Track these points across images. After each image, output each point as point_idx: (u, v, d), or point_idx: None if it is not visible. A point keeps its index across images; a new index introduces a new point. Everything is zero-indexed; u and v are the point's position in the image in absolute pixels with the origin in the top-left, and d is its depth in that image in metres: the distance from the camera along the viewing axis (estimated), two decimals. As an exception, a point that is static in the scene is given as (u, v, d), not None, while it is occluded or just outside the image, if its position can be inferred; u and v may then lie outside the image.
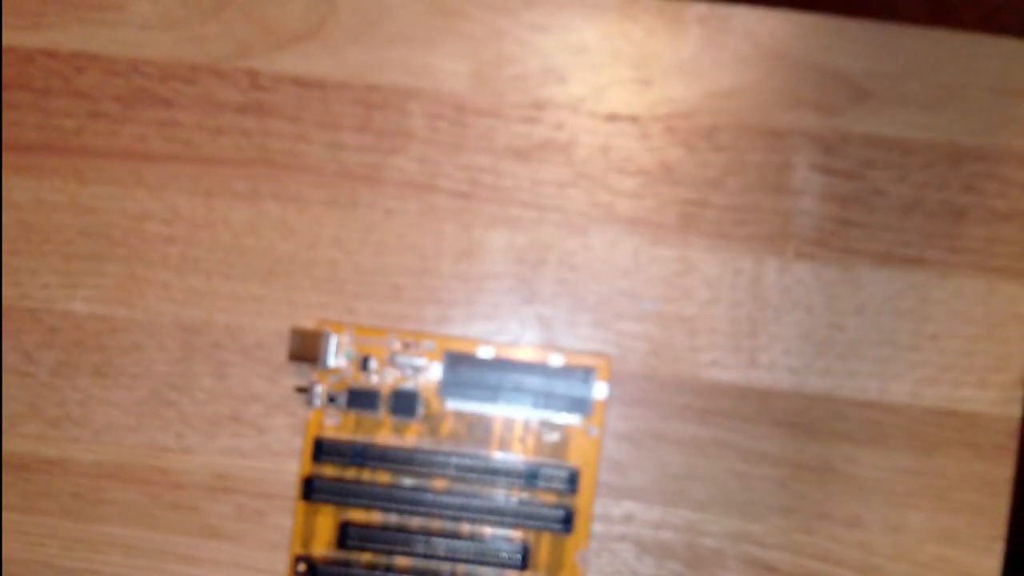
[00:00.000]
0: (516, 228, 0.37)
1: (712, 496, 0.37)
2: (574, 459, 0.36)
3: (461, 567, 0.36)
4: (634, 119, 0.37)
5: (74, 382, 0.37)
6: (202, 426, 0.37)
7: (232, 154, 0.37)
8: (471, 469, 0.35)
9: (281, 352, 0.37)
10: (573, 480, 0.35)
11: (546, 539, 0.36)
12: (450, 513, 0.35)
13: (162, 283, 0.37)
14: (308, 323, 0.37)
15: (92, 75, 0.37)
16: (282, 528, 0.36)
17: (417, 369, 0.36)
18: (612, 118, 0.37)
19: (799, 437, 0.36)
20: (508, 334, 0.37)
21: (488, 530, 0.36)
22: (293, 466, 0.36)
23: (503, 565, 0.35)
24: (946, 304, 0.36)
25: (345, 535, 0.35)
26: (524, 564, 0.35)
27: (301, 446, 0.36)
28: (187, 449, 0.37)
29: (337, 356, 0.36)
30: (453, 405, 0.36)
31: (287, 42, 0.37)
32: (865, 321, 0.37)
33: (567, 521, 0.35)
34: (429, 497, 0.35)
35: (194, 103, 0.37)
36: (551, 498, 0.36)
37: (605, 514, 0.36)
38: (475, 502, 0.35)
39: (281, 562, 0.36)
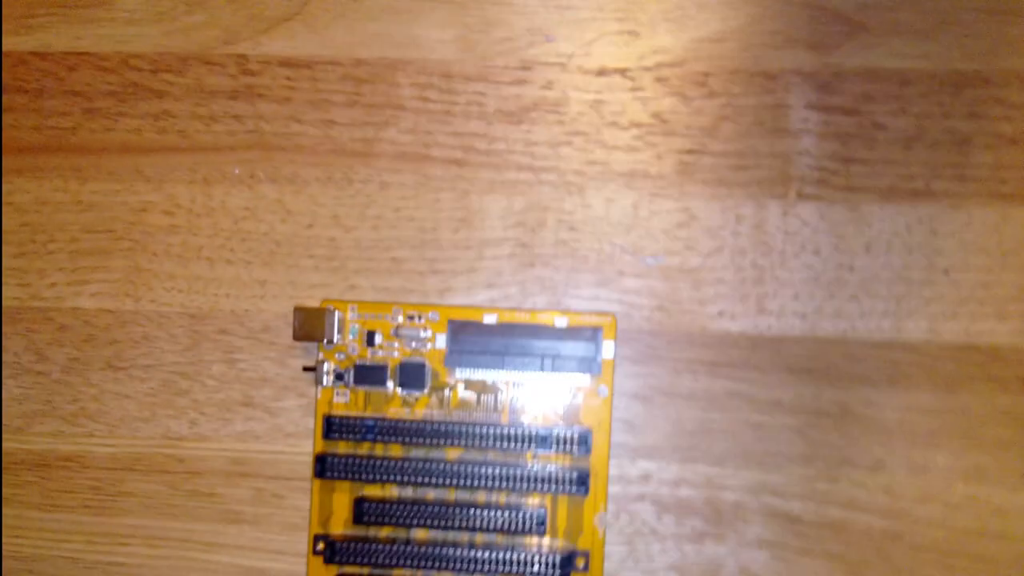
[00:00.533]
0: (512, 192, 0.36)
1: (729, 449, 0.36)
2: (586, 421, 0.35)
3: (479, 536, 0.35)
4: (624, 72, 0.36)
5: (87, 377, 0.37)
6: (215, 412, 0.37)
7: (226, 140, 0.37)
8: (483, 437, 0.35)
9: (287, 334, 0.37)
10: (586, 441, 0.35)
11: (563, 503, 0.35)
12: (465, 482, 0.35)
13: (167, 273, 0.37)
14: (311, 303, 0.37)
15: (84, 73, 0.37)
16: (301, 509, 0.36)
17: (422, 340, 0.36)
18: (601, 72, 0.36)
19: (814, 383, 0.36)
20: (511, 300, 0.36)
21: (504, 497, 0.35)
22: (307, 447, 0.36)
23: (521, 531, 0.35)
24: (957, 236, 0.35)
25: (361, 511, 0.35)
26: (543, 529, 0.35)
27: (313, 425, 0.36)
28: (202, 436, 0.37)
29: (341, 333, 0.36)
30: (461, 374, 0.36)
31: (272, 25, 0.37)
32: (874, 259, 0.36)
33: (583, 483, 0.35)
34: (443, 467, 0.35)
35: (186, 93, 0.37)
36: (566, 461, 0.35)
37: (621, 475, 0.36)
38: (489, 470, 0.35)
39: (301, 542, 0.36)
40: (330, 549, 0.35)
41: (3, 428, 0.37)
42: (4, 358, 0.37)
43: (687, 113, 0.36)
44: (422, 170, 0.37)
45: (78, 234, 0.37)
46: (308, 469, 0.36)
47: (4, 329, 0.37)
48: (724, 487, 0.36)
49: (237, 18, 0.37)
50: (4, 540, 0.37)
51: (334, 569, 0.35)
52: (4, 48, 0.38)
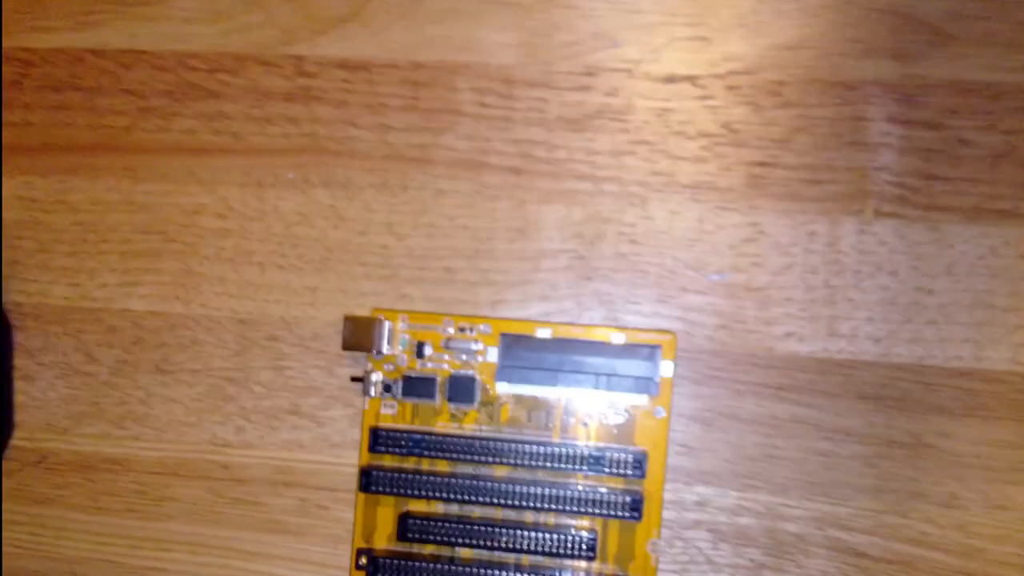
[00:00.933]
0: (572, 202, 0.35)
1: (793, 478, 0.34)
2: (641, 442, 0.34)
3: (526, 558, 0.34)
4: (693, 79, 0.35)
5: (135, 380, 0.37)
6: (261, 420, 0.36)
7: (281, 143, 0.36)
8: (533, 455, 0.34)
9: (337, 342, 0.36)
10: (641, 464, 0.33)
11: (614, 527, 0.34)
12: (512, 502, 0.34)
13: (217, 277, 0.37)
14: (361, 311, 0.36)
15: (140, 71, 0.37)
16: (344, 521, 0.36)
17: (473, 354, 0.34)
18: (670, 79, 0.35)
19: (886, 411, 0.34)
20: (566, 314, 0.35)
21: (553, 519, 0.34)
22: (352, 458, 0.36)
23: (570, 556, 0.33)
24: (1046, 260, 0.33)
25: (405, 527, 0.34)
26: (592, 554, 0.33)
27: (359, 436, 0.35)
28: (247, 444, 0.36)
29: (391, 343, 0.35)
30: (512, 389, 0.34)
31: (330, 26, 0.36)
32: (956, 283, 0.34)
33: (636, 508, 0.33)
34: (490, 486, 0.34)
35: (241, 94, 0.37)
36: (618, 484, 0.34)
37: (677, 500, 0.34)
38: (538, 490, 0.34)
39: (344, 556, 0.35)
40: (372, 565, 0.34)
41: (49, 428, 0.37)
42: (53, 358, 0.37)
43: (759, 124, 0.34)
44: (479, 178, 0.35)
45: (130, 235, 0.37)
46: (353, 481, 0.35)
47: (53, 328, 0.37)
48: (786, 517, 0.34)
49: (295, 18, 0.36)
50: (48, 541, 0.37)
51: None
52: (62, 45, 0.37)
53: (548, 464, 0.34)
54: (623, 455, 0.33)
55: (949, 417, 0.34)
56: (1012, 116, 0.33)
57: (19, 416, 0.37)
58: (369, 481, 0.34)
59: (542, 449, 0.34)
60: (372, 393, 0.35)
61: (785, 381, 0.34)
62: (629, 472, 0.33)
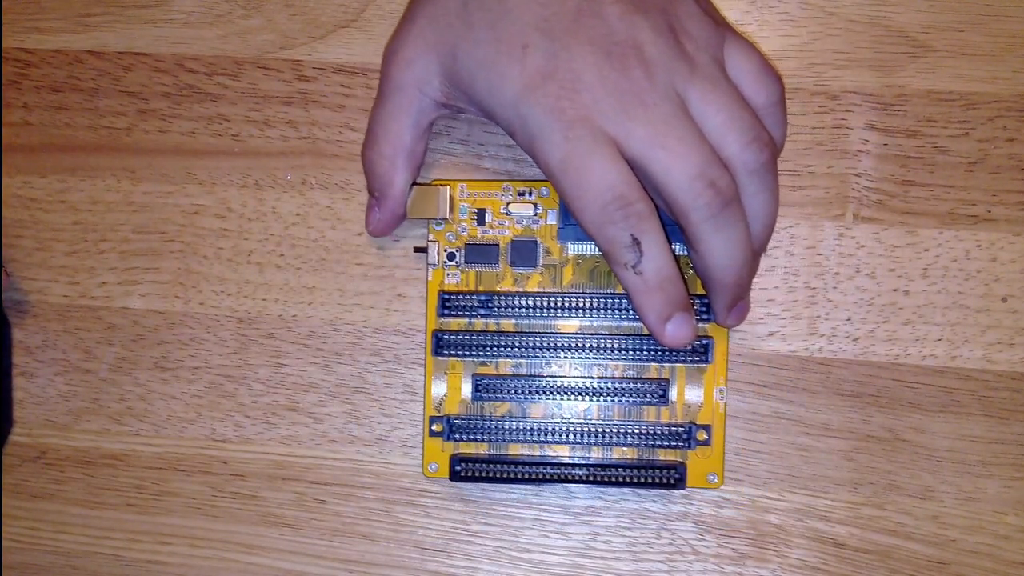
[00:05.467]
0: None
1: (774, 471, 0.35)
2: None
3: (598, 405, 0.35)
4: (680, 88, 0.36)
5: (135, 377, 0.37)
6: (260, 416, 0.37)
7: (280, 145, 0.37)
8: (598, 309, 0.35)
9: (334, 340, 0.37)
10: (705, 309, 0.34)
11: (682, 375, 0.35)
12: (579, 355, 0.35)
13: (216, 277, 0.37)
14: (359, 311, 0.37)
15: (140, 73, 0.38)
16: (342, 515, 0.37)
17: (534, 217, 0.35)
18: (657, 88, 0.36)
19: (864, 407, 0.35)
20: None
21: (622, 369, 0.35)
22: (351, 454, 0.37)
23: (642, 402, 0.35)
24: (1017, 263, 0.35)
25: (477, 387, 0.35)
26: (664, 400, 0.35)
27: (356, 432, 0.36)
28: (246, 439, 0.37)
29: (452, 213, 0.35)
30: (574, 250, 0.35)
31: (329, 31, 0.37)
32: (931, 285, 0.35)
33: (705, 351, 0.34)
34: (559, 341, 0.35)
35: (240, 97, 0.37)
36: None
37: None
38: (606, 342, 0.35)
39: (342, 547, 0.36)
40: (449, 427, 0.35)
41: (49, 424, 0.38)
42: (52, 355, 0.38)
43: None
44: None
45: (129, 235, 0.38)
46: (350, 476, 0.36)
47: (52, 326, 0.38)
48: (768, 509, 0.35)
49: (294, 23, 0.37)
50: (47, 536, 0.38)
51: (451, 448, 0.35)
52: (61, 46, 0.38)
53: (616, 313, 0.34)
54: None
55: (924, 413, 0.35)
56: (986, 125, 0.35)
57: (18, 412, 0.38)
58: (440, 344, 0.35)
59: (608, 301, 0.35)
60: (435, 262, 0.35)
61: (767, 379, 0.36)
62: (697, 317, 0.34)
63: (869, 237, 0.35)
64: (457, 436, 0.35)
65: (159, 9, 0.38)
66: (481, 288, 0.35)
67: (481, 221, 0.35)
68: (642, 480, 0.35)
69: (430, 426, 0.35)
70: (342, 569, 0.37)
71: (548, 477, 0.35)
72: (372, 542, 0.37)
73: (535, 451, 0.35)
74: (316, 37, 0.37)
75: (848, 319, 0.35)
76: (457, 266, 0.35)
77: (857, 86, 0.35)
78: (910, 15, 0.35)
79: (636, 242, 0.30)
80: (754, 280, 0.35)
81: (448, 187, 0.35)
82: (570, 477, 0.35)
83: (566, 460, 0.35)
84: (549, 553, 0.36)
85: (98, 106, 0.38)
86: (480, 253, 0.35)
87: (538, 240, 0.35)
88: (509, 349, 0.35)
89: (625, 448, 0.35)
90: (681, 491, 0.35)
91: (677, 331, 0.31)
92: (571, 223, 0.35)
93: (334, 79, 0.37)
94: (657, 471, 0.35)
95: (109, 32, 0.38)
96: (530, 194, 0.35)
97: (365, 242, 0.37)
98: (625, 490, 0.36)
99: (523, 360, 0.35)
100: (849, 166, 0.35)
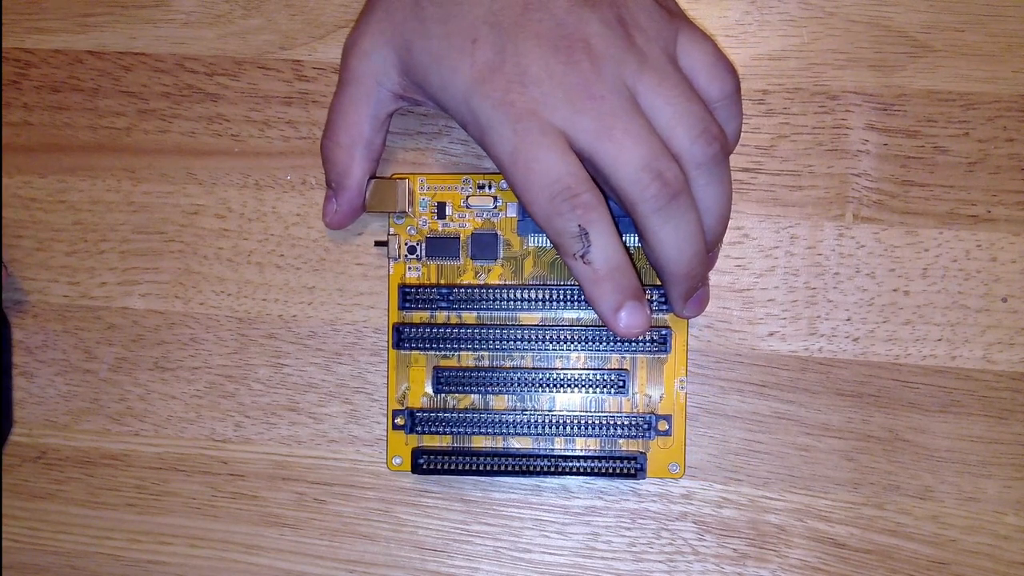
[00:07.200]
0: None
1: (775, 471, 0.35)
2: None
3: (559, 399, 0.35)
4: (680, 88, 0.36)
5: (135, 377, 0.37)
6: (260, 416, 0.37)
7: (279, 146, 0.37)
8: (558, 300, 0.35)
9: (334, 340, 0.37)
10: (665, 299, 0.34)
11: (643, 366, 0.35)
12: (541, 347, 0.35)
13: (216, 277, 0.37)
14: (358, 310, 0.37)
15: (139, 74, 0.38)
16: (342, 515, 0.37)
17: (493, 211, 0.35)
18: (657, 88, 0.36)
19: (864, 407, 0.35)
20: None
21: (583, 359, 0.35)
22: (350, 454, 0.37)
23: (603, 393, 0.35)
24: (1017, 263, 0.35)
25: (438, 380, 0.35)
26: (624, 391, 0.35)
27: (356, 432, 0.36)
28: (246, 439, 0.37)
29: (412, 206, 0.35)
30: (534, 242, 0.35)
31: (328, 31, 0.37)
32: (931, 285, 0.35)
33: (664, 341, 0.34)
34: (519, 332, 0.35)
35: (240, 97, 0.37)
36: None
37: (663, 493, 0.36)
38: (566, 332, 0.35)
39: (342, 547, 0.36)
40: (411, 419, 0.35)
41: (49, 424, 0.38)
42: (52, 355, 0.38)
43: (744, 131, 0.35)
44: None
45: (129, 235, 0.38)
46: (350, 476, 0.36)
47: (53, 326, 0.38)
48: (768, 509, 0.35)
49: (294, 23, 0.37)
50: (47, 536, 0.38)
51: (414, 441, 0.35)
52: (61, 46, 0.38)
53: (578, 305, 0.35)
54: (648, 292, 0.34)
55: (924, 413, 0.35)
56: (986, 125, 0.35)
57: (18, 412, 0.38)
58: (400, 337, 0.35)
59: (568, 292, 0.35)
60: (396, 256, 0.36)
61: (768, 379, 0.36)
62: (654, 308, 0.34)
63: (869, 237, 0.35)
64: (420, 429, 0.35)
65: (159, 9, 0.38)
66: (442, 281, 0.36)
67: (442, 215, 0.36)
68: (603, 471, 0.35)
69: (393, 420, 0.35)
70: (342, 569, 0.37)
71: (511, 469, 0.35)
72: (372, 542, 0.37)
73: (498, 443, 0.35)
74: (316, 37, 0.37)
75: (848, 319, 0.35)
76: (418, 259, 0.36)
77: (857, 86, 0.35)
78: (910, 15, 0.35)
79: (584, 232, 0.30)
80: (755, 280, 0.35)
81: (407, 180, 0.35)
82: (533, 469, 0.35)
83: (529, 452, 0.35)
84: (549, 553, 0.36)
85: (98, 106, 0.38)
86: (441, 246, 0.35)
87: (499, 233, 0.35)
88: (471, 342, 0.35)
89: (588, 439, 0.35)
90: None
91: (630, 319, 0.31)
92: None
93: (334, 79, 0.37)
94: (618, 461, 0.35)
95: (109, 32, 0.38)
96: (490, 187, 0.35)
97: (365, 242, 0.37)
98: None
99: (485, 353, 0.35)
100: (849, 166, 0.35)
